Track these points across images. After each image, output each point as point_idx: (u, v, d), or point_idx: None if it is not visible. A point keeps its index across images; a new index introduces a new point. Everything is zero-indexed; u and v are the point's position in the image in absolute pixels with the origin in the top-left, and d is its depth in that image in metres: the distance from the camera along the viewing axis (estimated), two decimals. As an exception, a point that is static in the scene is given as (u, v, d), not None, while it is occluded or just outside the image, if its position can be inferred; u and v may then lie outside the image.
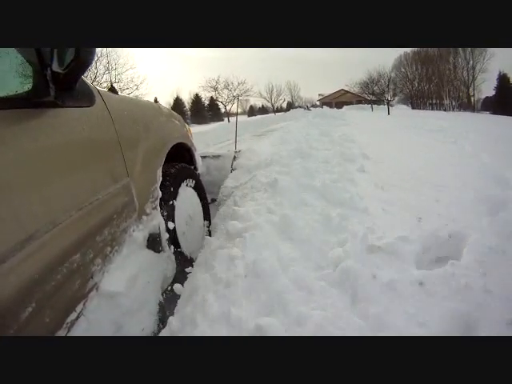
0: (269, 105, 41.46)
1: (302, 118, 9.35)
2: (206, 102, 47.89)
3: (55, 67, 0.79)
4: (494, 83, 35.10)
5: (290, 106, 38.02)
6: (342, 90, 39.23)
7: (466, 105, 29.11)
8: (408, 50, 31.33)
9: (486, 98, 37.35)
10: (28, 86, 0.80)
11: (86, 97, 1.02)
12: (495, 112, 28.23)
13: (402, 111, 16.47)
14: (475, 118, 14.20)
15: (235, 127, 4.10)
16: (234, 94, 29.59)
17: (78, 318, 0.82)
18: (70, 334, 0.78)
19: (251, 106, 51.55)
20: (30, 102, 0.77)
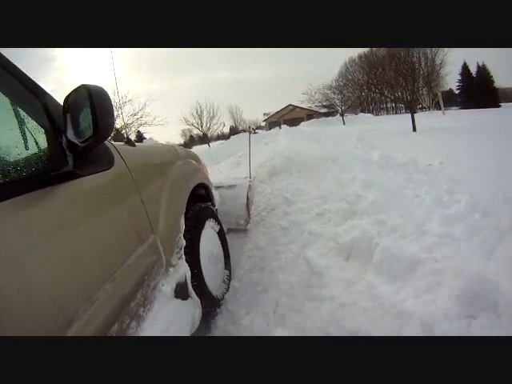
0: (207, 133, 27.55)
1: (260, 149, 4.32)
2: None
3: (71, 135, 0.77)
4: (456, 77, 32.88)
5: (233, 130, 31.37)
6: (290, 105, 35.29)
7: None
8: (354, 54, 28.05)
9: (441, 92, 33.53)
10: (43, 156, 0.77)
11: (105, 159, 0.98)
12: (463, 106, 26.11)
13: (392, 122, 12.46)
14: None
15: (248, 153, 3.36)
16: (126, 121, 16.33)
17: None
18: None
19: (191, 136, 37.32)
20: (47, 175, 0.73)
